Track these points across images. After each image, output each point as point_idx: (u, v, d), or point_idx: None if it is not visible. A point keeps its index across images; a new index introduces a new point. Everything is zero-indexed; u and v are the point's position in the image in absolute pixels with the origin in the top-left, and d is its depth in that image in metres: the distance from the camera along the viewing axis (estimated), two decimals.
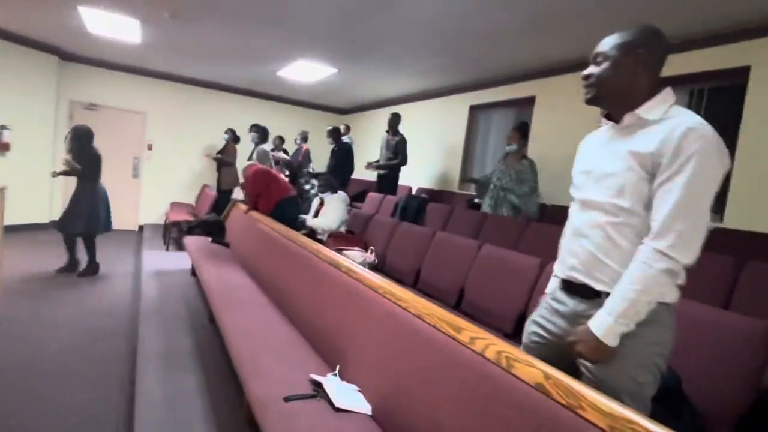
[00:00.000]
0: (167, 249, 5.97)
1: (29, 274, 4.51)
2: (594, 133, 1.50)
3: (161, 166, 7.73)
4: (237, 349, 2.00)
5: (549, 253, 1.87)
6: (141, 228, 7.54)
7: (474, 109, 5.90)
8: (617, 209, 1.27)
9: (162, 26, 4.80)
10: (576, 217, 1.41)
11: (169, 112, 7.71)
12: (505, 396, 1.11)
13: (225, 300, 2.77)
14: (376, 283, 1.91)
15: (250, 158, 6.29)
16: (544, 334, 1.44)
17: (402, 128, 5.76)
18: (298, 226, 4.35)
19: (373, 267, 3.56)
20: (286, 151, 7.03)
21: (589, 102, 1.41)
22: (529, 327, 1.52)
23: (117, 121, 7.32)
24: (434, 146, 6.46)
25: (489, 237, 3.67)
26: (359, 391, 1.67)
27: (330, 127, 6.16)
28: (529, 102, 5.02)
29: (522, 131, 4.26)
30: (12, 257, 4.91)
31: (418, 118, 6.71)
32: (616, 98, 1.33)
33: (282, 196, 4.32)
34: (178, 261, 5.29)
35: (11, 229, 5.78)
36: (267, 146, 6.44)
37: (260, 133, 5.98)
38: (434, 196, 5.64)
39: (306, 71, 6.15)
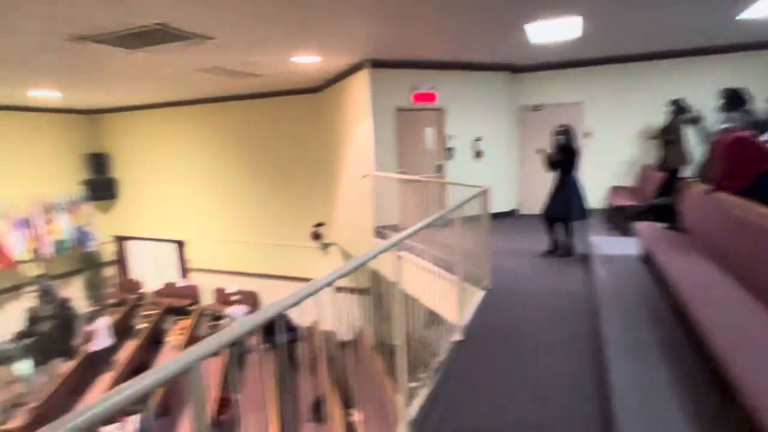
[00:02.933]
0: (612, 234, 5.99)
1: (507, 253, 5.61)
2: None
3: (599, 151, 7.79)
4: (729, 357, 1.78)
5: None
6: None
7: None
8: None
9: (603, 12, 4.81)
10: None
11: (605, 97, 7.69)
12: None
13: (696, 295, 2.51)
14: None
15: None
16: None
17: None
18: None
19: None
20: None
21: None
22: None
23: (557, 116, 7.86)
24: None
25: None
26: None
27: None
28: None
29: None
30: (493, 241, 6.28)
31: None
32: None
33: (762, 170, 3.45)
34: (624, 246, 5.20)
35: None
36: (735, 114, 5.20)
37: (725, 98, 4.85)
38: None
39: None
